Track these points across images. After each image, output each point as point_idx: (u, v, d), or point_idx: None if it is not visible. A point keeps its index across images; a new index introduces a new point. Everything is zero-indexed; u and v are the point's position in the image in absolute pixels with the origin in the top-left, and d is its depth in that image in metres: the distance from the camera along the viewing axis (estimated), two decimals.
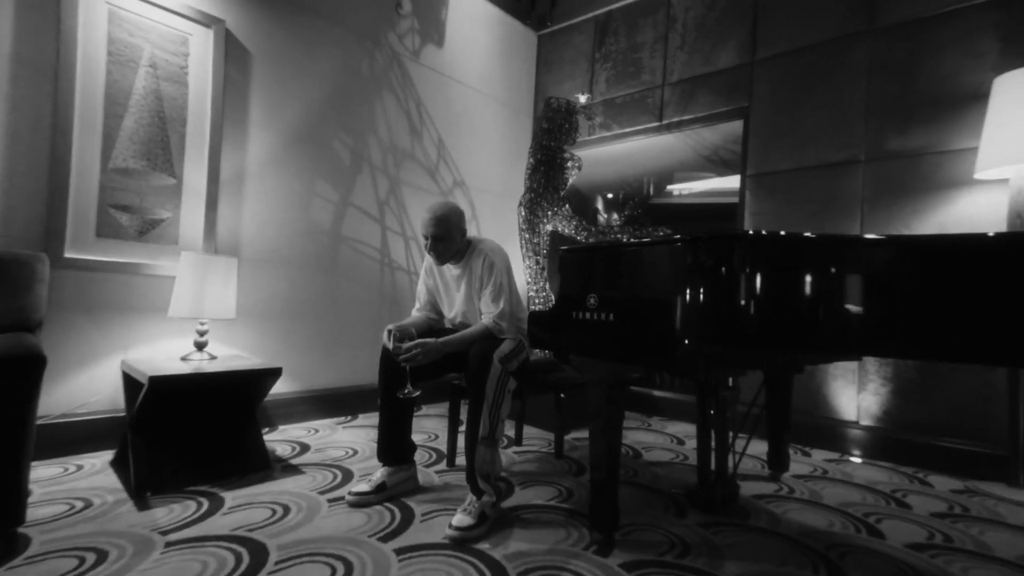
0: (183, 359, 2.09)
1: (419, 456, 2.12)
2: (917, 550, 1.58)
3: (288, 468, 2.04)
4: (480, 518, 1.54)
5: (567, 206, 3.09)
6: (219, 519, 1.55)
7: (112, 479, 1.83)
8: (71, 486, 1.75)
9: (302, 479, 1.92)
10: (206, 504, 1.65)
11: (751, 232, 1.22)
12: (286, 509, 1.64)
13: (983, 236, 1.11)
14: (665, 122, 3.47)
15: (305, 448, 2.32)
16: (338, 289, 2.96)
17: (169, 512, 1.58)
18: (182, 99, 2.36)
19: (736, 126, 3.18)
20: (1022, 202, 2.12)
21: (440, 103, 3.51)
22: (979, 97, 2.35)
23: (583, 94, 3.30)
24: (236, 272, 2.27)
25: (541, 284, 3.07)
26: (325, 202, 2.89)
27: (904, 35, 2.60)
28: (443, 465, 2.17)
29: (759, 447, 2.44)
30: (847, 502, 1.96)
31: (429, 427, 2.78)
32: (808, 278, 1.14)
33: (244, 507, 1.64)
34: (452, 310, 1.99)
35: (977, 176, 2.27)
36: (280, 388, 2.51)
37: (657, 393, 3.43)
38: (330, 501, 1.73)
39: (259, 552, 1.37)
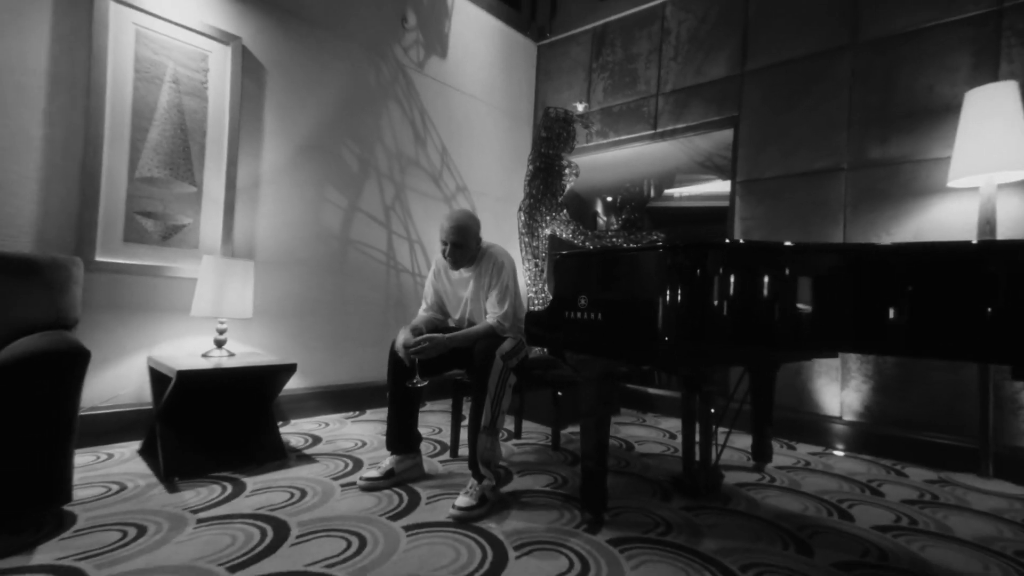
0: (204, 356, 2.24)
1: (424, 447, 2.27)
2: (882, 531, 1.71)
3: (302, 457, 2.19)
4: (481, 500, 1.69)
5: (565, 211, 3.23)
6: (243, 500, 1.70)
7: (142, 466, 1.98)
8: (105, 472, 1.91)
9: (316, 467, 2.07)
10: (230, 488, 1.80)
11: (726, 241, 1.37)
12: (303, 492, 1.79)
13: (911, 245, 1.26)
14: (660, 130, 3.61)
15: (317, 440, 2.46)
16: (347, 290, 3.11)
17: (197, 494, 1.73)
18: (202, 112, 2.52)
19: (727, 134, 3.32)
20: (991, 209, 2.26)
21: (443, 112, 3.66)
22: (952, 109, 2.48)
23: (580, 103, 3.44)
24: (252, 274, 2.42)
25: (540, 286, 3.20)
26: (335, 207, 3.04)
27: (884, 49, 2.74)
28: (447, 455, 2.32)
29: (745, 440, 2.58)
30: (824, 490, 2.09)
31: (433, 422, 2.93)
32: (767, 281, 1.28)
33: (264, 490, 1.79)
34: (458, 311, 2.14)
35: (950, 184, 2.41)
36: (292, 384, 2.66)
37: (652, 391, 3.57)
38: (343, 486, 1.88)
39: (281, 528, 1.52)
